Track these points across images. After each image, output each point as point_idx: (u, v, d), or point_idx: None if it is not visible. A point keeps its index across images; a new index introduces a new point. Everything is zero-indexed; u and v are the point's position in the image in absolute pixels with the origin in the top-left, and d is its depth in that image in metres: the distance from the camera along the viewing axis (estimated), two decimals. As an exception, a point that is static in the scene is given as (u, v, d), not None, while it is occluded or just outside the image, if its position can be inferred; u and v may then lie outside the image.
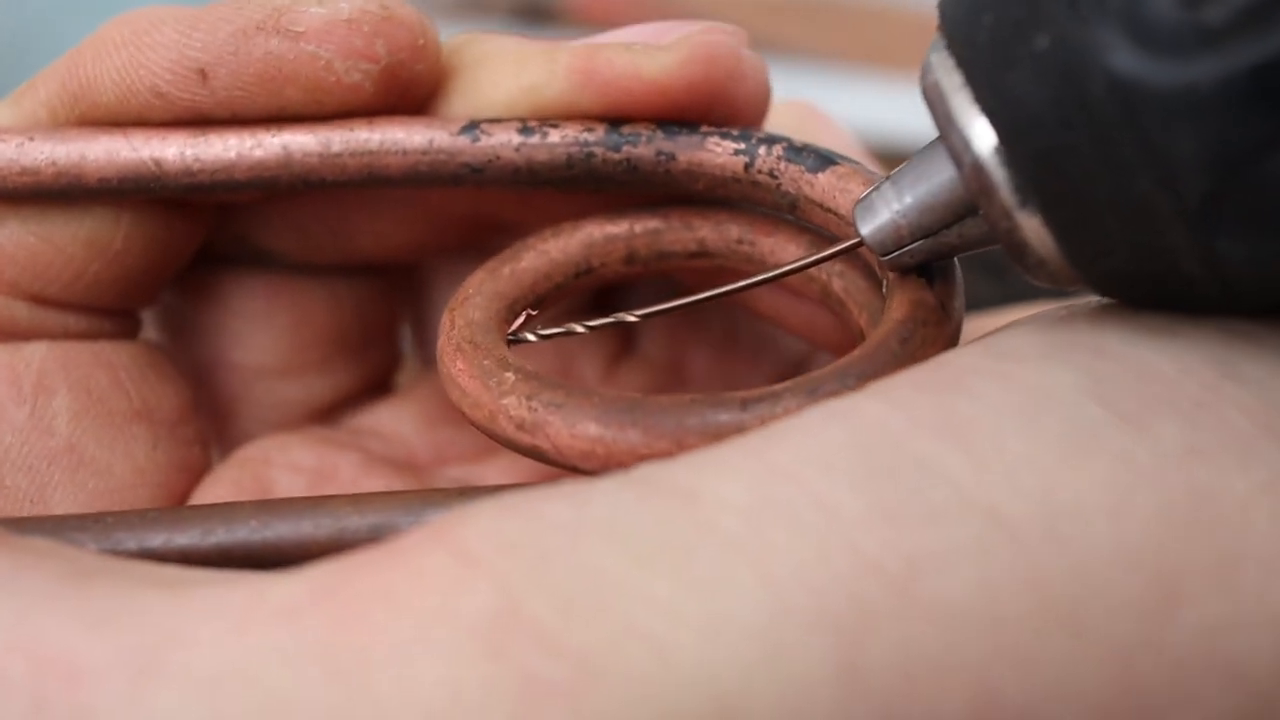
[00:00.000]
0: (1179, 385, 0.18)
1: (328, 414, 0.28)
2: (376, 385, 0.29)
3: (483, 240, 0.27)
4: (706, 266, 0.26)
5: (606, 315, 0.28)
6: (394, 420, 0.28)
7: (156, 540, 0.21)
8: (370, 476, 0.27)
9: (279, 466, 0.26)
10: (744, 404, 0.19)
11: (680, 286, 0.28)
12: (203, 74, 0.23)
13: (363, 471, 0.27)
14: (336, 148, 0.23)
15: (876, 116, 0.74)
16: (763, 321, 0.27)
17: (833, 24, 0.85)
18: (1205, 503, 0.17)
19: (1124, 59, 0.17)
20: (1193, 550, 0.17)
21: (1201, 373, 0.18)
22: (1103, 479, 0.17)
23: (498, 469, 0.28)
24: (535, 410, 0.20)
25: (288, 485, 0.26)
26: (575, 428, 0.20)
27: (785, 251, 0.24)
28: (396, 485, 0.27)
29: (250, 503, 0.21)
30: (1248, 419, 0.18)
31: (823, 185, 0.23)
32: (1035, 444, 0.17)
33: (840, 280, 0.24)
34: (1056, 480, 0.17)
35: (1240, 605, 0.17)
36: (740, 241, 0.25)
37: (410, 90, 0.24)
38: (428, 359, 0.30)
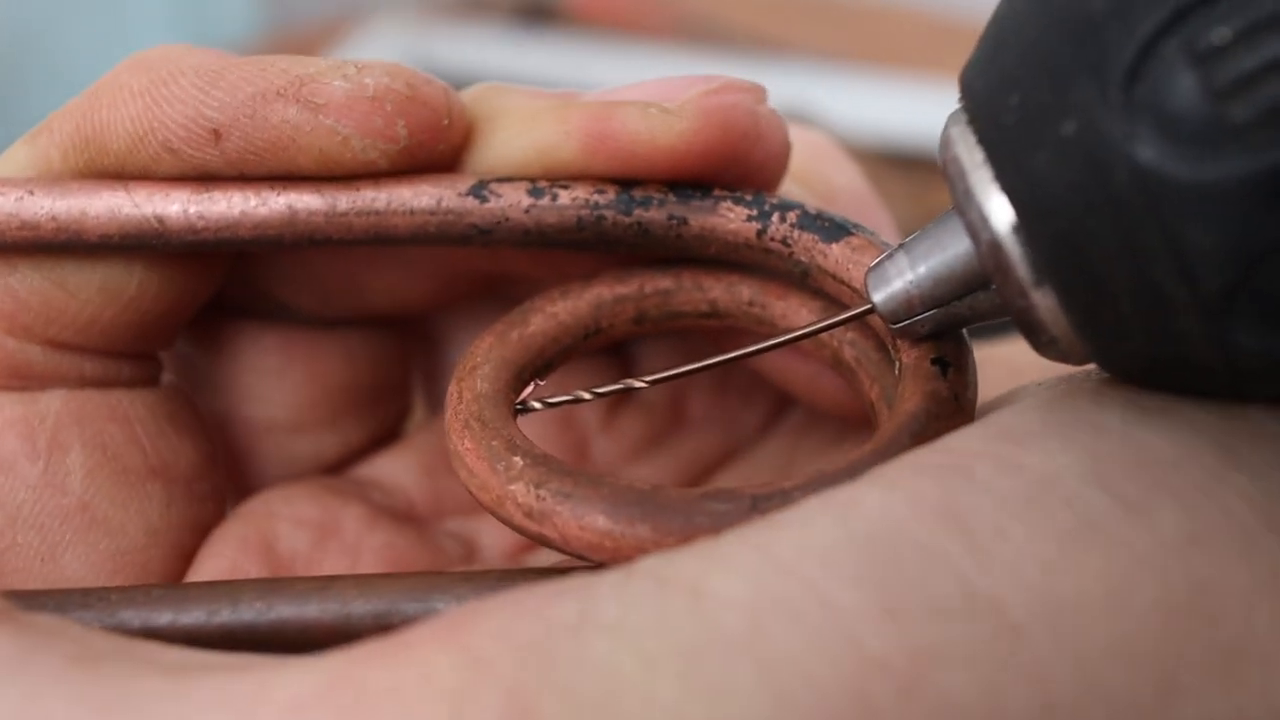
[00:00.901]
0: (1181, 470, 0.18)
1: (335, 467, 0.28)
2: (385, 437, 0.29)
3: (495, 291, 0.27)
4: (716, 327, 0.25)
5: (611, 362, 0.28)
6: (395, 470, 0.28)
7: (162, 620, 0.21)
8: (373, 530, 0.26)
9: (284, 520, 0.26)
10: (754, 501, 0.19)
11: (685, 337, 0.28)
12: (216, 134, 0.22)
13: (366, 525, 0.26)
14: (342, 207, 0.23)
15: (877, 116, 0.73)
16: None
17: (834, 23, 0.85)
18: (1205, 595, 0.17)
19: (1149, 151, 0.17)
20: (1192, 644, 0.17)
21: (1203, 458, 0.18)
22: (1104, 571, 0.17)
23: (496, 521, 0.27)
24: (543, 499, 0.20)
25: (292, 540, 0.26)
26: (583, 520, 0.19)
27: (797, 315, 0.24)
28: (398, 539, 0.26)
29: (256, 582, 0.21)
30: (1249, 509, 0.18)
31: (836, 256, 0.23)
32: (1037, 533, 0.17)
33: (851, 349, 0.23)
34: (1058, 572, 0.17)
35: (1240, 700, 0.17)
36: (751, 304, 0.24)
37: (427, 166, 0.23)
38: (435, 407, 0.29)
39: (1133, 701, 0.16)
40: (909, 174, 0.62)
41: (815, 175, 0.27)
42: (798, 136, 0.26)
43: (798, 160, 0.26)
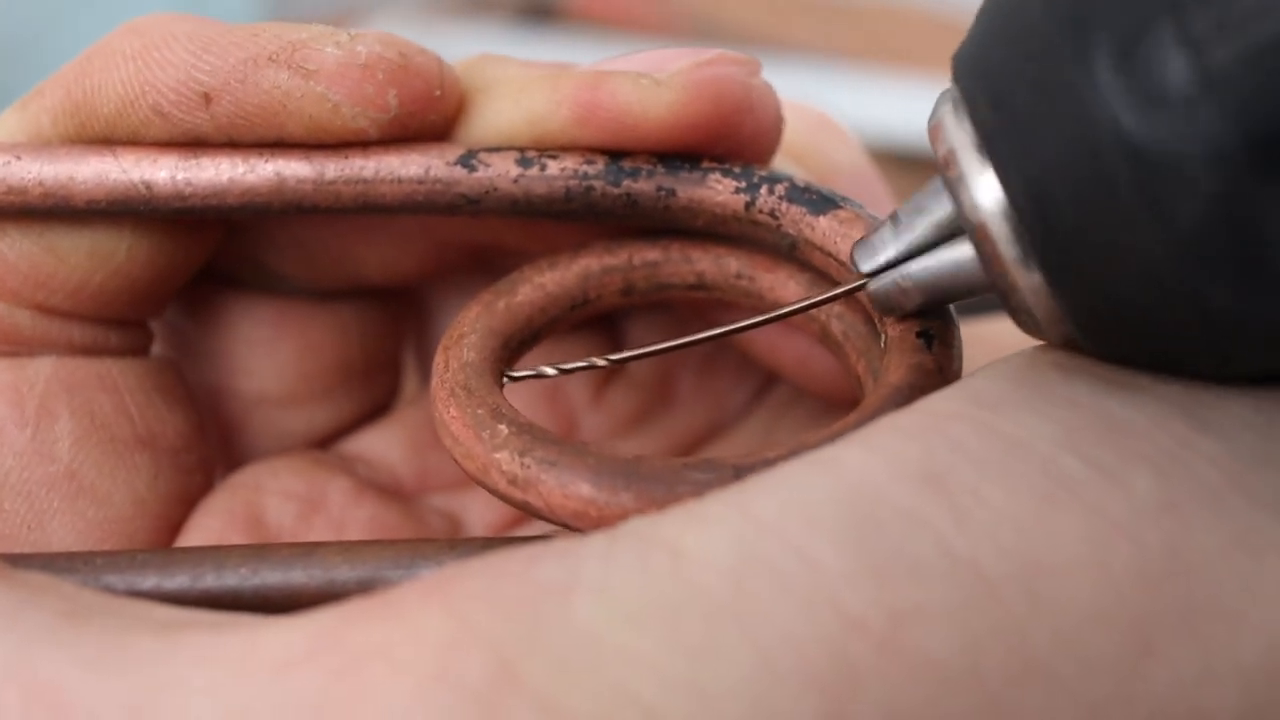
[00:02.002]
0: (1152, 438, 0.18)
1: (325, 441, 0.28)
2: (376, 412, 0.29)
3: (486, 263, 0.27)
4: (704, 299, 0.25)
5: (599, 334, 0.28)
6: (382, 445, 0.28)
7: (146, 584, 0.21)
8: (359, 505, 0.26)
9: (270, 493, 0.26)
10: (737, 470, 0.19)
11: (674, 310, 0.28)
12: (206, 98, 0.22)
13: (352, 499, 0.26)
14: (330, 175, 0.23)
15: (880, 114, 0.73)
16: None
17: (836, 21, 0.85)
18: (1178, 558, 0.17)
19: (1136, 125, 0.17)
20: (1165, 605, 0.17)
21: (1173, 425, 0.18)
22: (1079, 534, 0.17)
23: (481, 497, 0.27)
24: (528, 467, 0.20)
25: (278, 513, 0.26)
26: (568, 488, 0.19)
27: (785, 289, 0.24)
28: (384, 513, 0.26)
29: (241, 547, 0.21)
30: (1218, 472, 0.18)
31: (824, 229, 0.23)
32: (1014, 497, 0.17)
33: (839, 323, 0.23)
34: (1035, 534, 0.17)
35: (1209, 659, 0.17)
36: (739, 276, 0.24)
37: (419, 136, 0.23)
38: (426, 380, 0.29)
39: (1108, 661, 0.17)
40: (913, 173, 0.62)
41: (814, 151, 0.27)
42: (797, 112, 0.26)
43: (796, 136, 0.26)
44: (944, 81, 0.21)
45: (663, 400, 0.29)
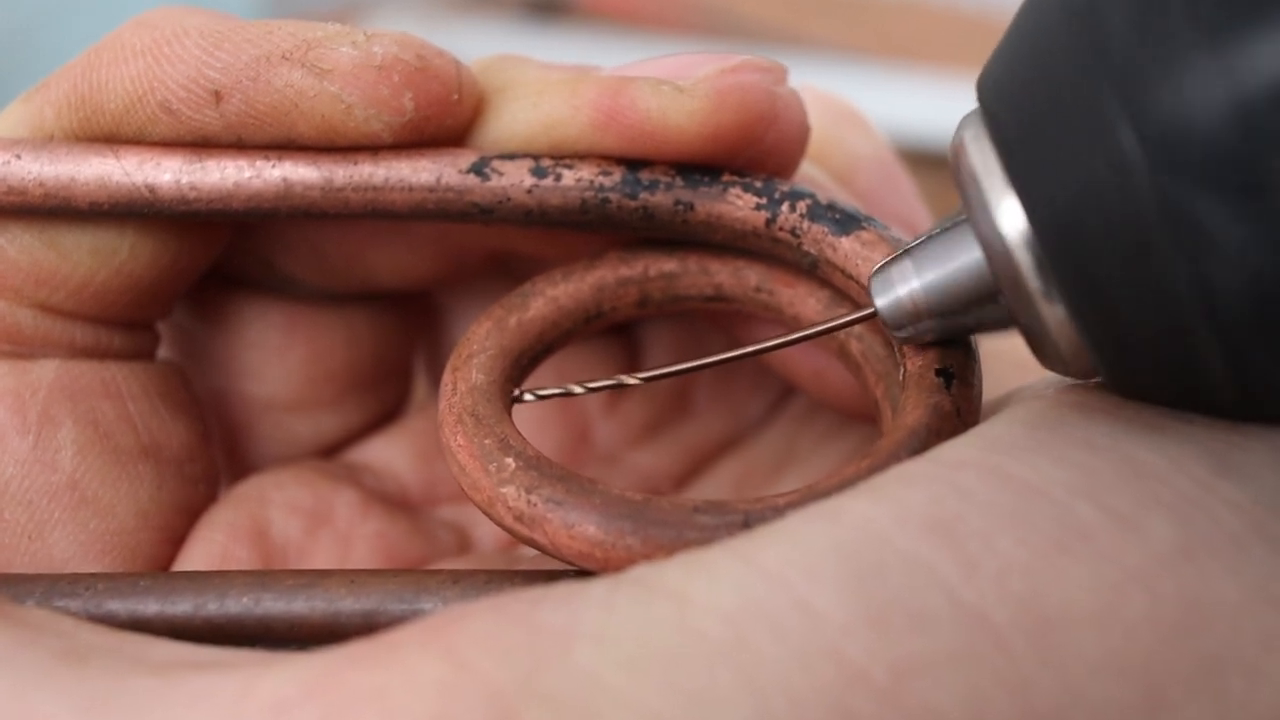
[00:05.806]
0: (1171, 482, 0.18)
1: (333, 449, 0.28)
2: (385, 419, 0.28)
3: (501, 267, 0.27)
4: (722, 311, 0.25)
5: (615, 342, 0.28)
6: (389, 454, 0.27)
7: (148, 610, 0.21)
8: (366, 519, 0.26)
9: (276, 506, 0.25)
10: (746, 517, 0.19)
11: (691, 318, 0.28)
12: (217, 96, 0.22)
13: (359, 512, 0.26)
14: (339, 182, 0.22)
15: (897, 112, 0.72)
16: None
17: (852, 17, 0.84)
18: (1195, 608, 0.17)
19: (1179, 188, 0.16)
20: (1180, 657, 0.17)
21: (1193, 469, 0.18)
22: (1091, 583, 0.17)
23: None
24: (534, 505, 0.19)
25: (284, 526, 0.25)
26: (574, 529, 0.19)
27: (804, 304, 0.23)
28: (391, 528, 0.26)
29: (244, 575, 0.21)
30: (1240, 518, 0.18)
31: (845, 250, 0.22)
32: (1024, 545, 0.17)
33: (859, 343, 0.23)
34: (1045, 584, 0.17)
35: (1225, 712, 0.17)
36: (759, 290, 0.24)
37: (434, 140, 0.23)
38: (437, 386, 0.29)
39: (1118, 714, 0.16)
40: (934, 173, 0.61)
41: (835, 143, 0.26)
42: (818, 103, 0.25)
43: (817, 129, 0.25)
44: (961, 78, 0.20)
45: (678, 410, 0.28)
